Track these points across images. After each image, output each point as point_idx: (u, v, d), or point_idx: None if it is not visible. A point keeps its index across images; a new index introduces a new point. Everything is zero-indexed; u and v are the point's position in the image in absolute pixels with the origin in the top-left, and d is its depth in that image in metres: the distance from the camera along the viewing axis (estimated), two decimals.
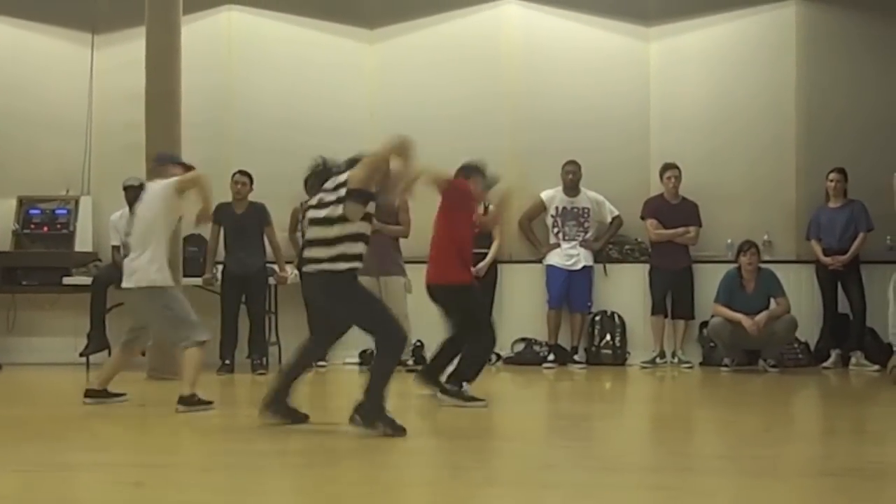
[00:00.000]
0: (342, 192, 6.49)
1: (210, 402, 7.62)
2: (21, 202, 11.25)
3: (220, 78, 11.59)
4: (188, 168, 7.96)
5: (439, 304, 8.08)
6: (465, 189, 7.98)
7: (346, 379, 10.28)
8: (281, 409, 6.83)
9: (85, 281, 10.96)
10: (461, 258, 7.98)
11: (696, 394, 9.75)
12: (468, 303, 8.02)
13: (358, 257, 6.61)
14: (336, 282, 6.54)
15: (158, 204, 7.71)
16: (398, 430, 6.43)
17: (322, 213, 6.56)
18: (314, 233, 6.64)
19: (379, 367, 6.57)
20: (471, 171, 8.13)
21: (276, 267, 10.73)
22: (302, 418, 6.89)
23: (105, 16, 11.73)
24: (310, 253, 6.67)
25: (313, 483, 5.44)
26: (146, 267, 7.63)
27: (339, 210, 6.50)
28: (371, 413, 6.45)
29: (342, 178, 6.56)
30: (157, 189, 7.81)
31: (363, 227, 6.60)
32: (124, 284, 7.77)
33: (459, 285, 7.94)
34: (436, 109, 11.48)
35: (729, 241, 11.04)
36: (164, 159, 8.17)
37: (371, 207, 6.60)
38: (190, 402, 7.53)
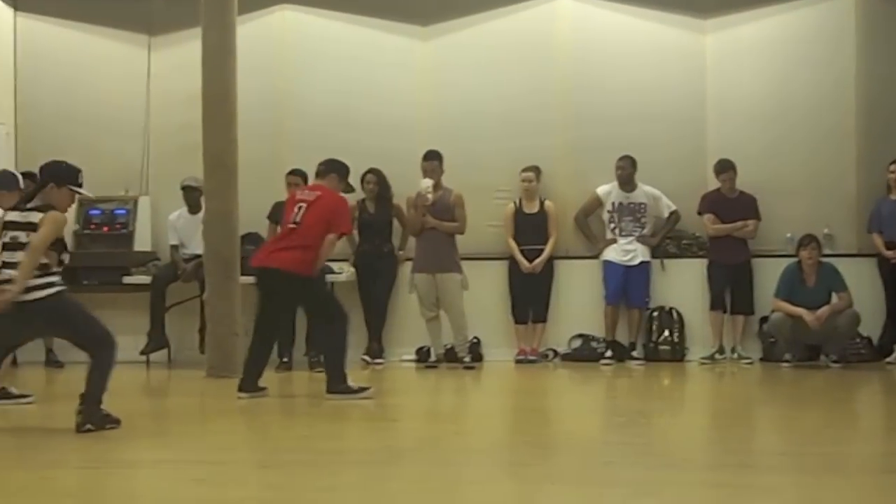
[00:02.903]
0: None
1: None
2: (81, 203, 11.32)
3: (273, 77, 11.64)
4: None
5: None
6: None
7: (402, 376, 10.30)
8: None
9: (144, 280, 11.07)
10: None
11: (757, 390, 9.65)
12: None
13: None
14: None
15: None
16: (117, 422, 6.67)
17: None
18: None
19: (102, 370, 6.72)
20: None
21: (332, 265, 10.75)
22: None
23: (161, 18, 11.81)
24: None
25: (372, 480, 5.45)
26: None
27: None
28: (96, 416, 6.61)
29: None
30: None
31: None
32: None
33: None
34: (488, 106, 11.45)
35: (789, 235, 10.90)
36: (10, 185, 8.07)
37: None
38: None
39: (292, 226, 8.36)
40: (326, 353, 8.53)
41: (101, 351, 6.75)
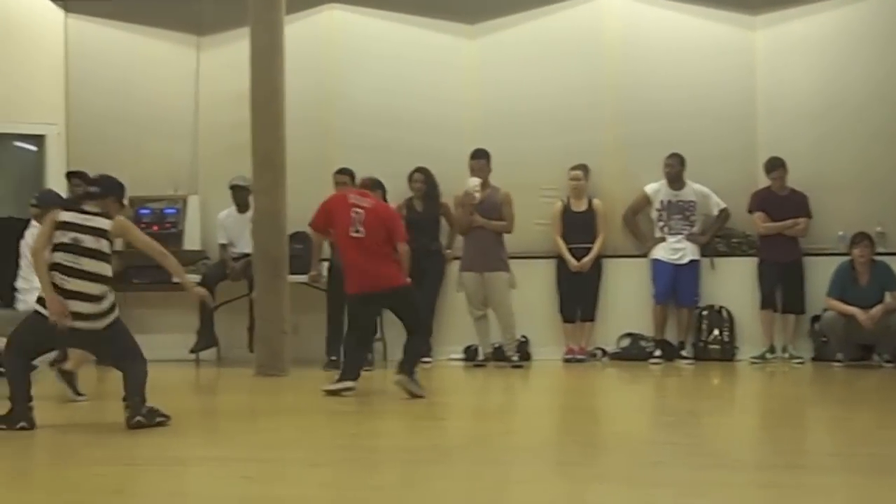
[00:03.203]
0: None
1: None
2: (131, 202, 11.45)
3: (321, 76, 11.68)
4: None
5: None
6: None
7: (450, 375, 10.30)
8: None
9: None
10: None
11: (808, 390, 9.55)
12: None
13: None
14: None
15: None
16: (167, 417, 6.81)
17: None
18: None
19: (137, 378, 6.82)
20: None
21: None
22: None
23: (209, 18, 11.90)
24: None
25: (420, 478, 5.45)
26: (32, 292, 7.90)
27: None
28: (143, 408, 6.72)
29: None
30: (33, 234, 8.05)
31: None
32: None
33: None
34: (535, 103, 11.40)
35: (840, 233, 10.77)
36: (50, 202, 8.23)
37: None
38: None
39: (356, 235, 8.34)
40: (408, 348, 8.45)
41: (132, 366, 6.84)
